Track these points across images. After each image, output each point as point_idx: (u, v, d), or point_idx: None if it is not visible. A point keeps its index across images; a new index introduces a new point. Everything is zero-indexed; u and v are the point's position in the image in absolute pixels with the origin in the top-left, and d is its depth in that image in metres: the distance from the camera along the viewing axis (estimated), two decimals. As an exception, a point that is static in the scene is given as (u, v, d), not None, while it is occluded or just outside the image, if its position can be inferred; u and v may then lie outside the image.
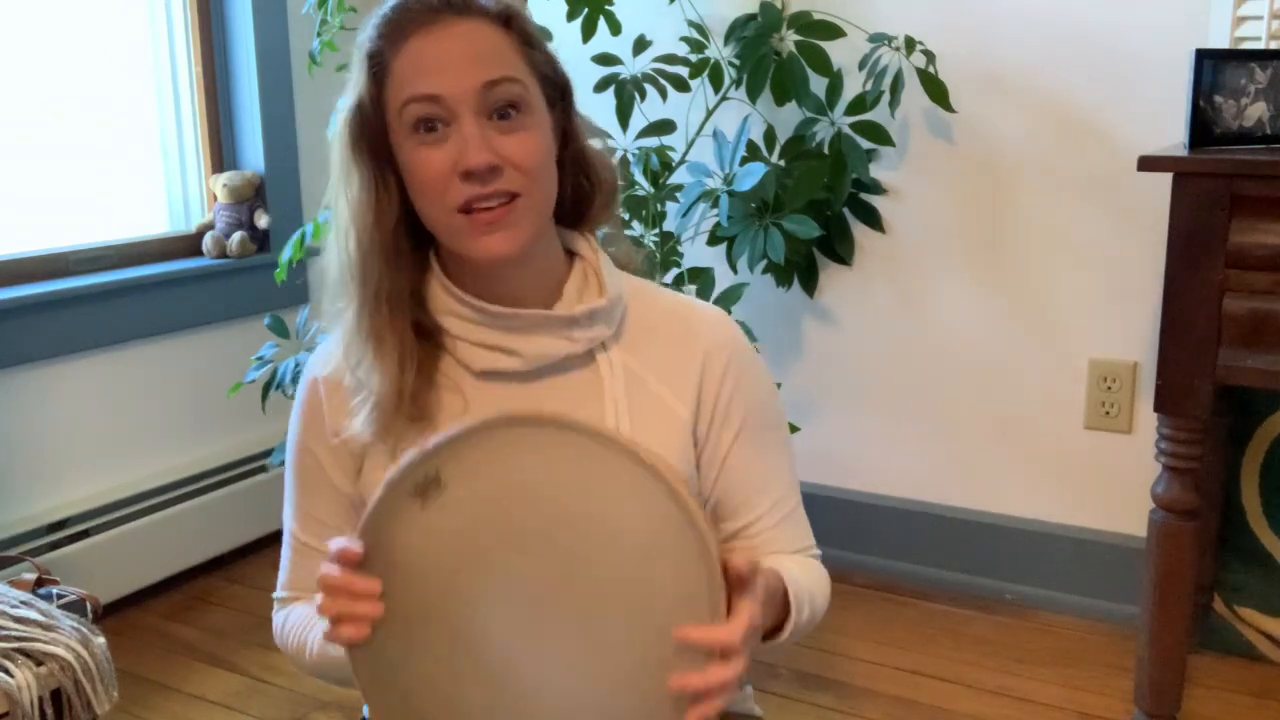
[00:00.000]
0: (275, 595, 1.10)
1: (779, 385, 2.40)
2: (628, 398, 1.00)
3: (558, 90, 1.00)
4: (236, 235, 2.57)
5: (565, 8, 2.03)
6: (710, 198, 2.08)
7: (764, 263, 2.13)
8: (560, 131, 1.00)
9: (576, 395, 1.00)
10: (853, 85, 2.22)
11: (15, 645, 1.41)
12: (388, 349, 0.96)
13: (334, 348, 1.02)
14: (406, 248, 0.98)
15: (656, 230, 2.11)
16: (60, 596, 1.62)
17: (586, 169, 1.03)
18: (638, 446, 0.82)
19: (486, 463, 0.83)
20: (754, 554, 1.06)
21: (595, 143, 1.04)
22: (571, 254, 1.05)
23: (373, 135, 0.95)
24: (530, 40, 0.97)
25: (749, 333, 1.97)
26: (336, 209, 0.98)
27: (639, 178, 2.09)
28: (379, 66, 0.94)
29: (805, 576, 1.03)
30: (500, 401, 0.99)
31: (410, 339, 0.97)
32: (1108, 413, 2.23)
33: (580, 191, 1.04)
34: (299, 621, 1.05)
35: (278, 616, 1.09)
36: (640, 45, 2.17)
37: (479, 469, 0.83)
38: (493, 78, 0.92)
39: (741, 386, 1.04)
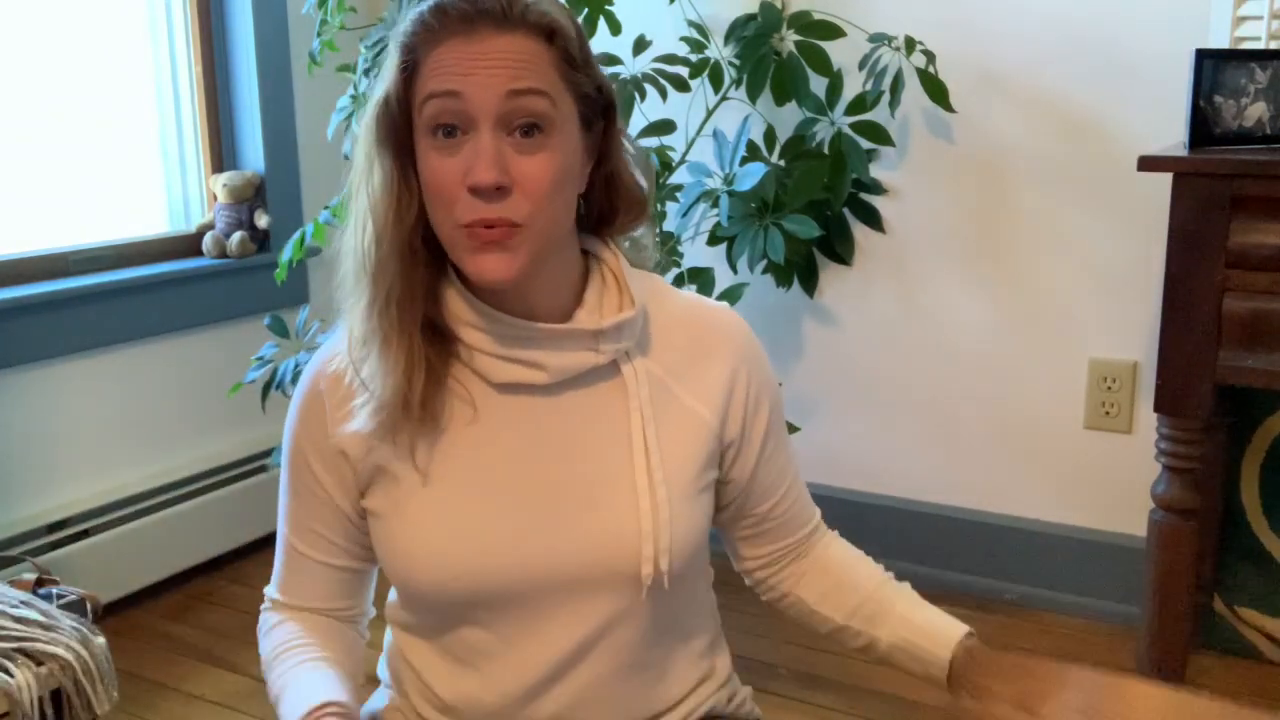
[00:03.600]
0: (268, 592, 1.08)
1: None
2: (653, 406, 0.99)
3: (598, 110, 0.96)
4: (236, 235, 2.57)
5: (565, 8, 2.03)
6: (710, 198, 2.08)
7: (764, 263, 2.13)
8: (595, 150, 0.97)
9: (603, 406, 0.99)
10: (853, 85, 2.22)
11: (15, 645, 1.41)
12: (394, 353, 0.94)
13: (339, 344, 1.00)
14: (423, 249, 0.95)
15: (657, 230, 2.11)
16: (60, 596, 1.62)
17: (617, 189, 1.00)
18: None
19: None
20: (775, 534, 1.10)
21: (633, 164, 1.01)
22: (587, 254, 1.03)
23: (398, 131, 0.93)
24: (571, 59, 0.92)
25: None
26: (357, 199, 0.96)
27: (639, 178, 2.09)
28: (408, 65, 0.91)
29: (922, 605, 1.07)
30: (520, 415, 0.98)
31: (419, 344, 0.95)
32: (1108, 413, 2.23)
33: (606, 208, 1.02)
34: (279, 679, 1.01)
35: (266, 621, 1.07)
36: (640, 45, 2.17)
37: None
38: (519, 87, 0.88)
39: (764, 384, 1.06)
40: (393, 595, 1.08)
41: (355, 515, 1.02)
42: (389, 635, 1.11)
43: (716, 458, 1.04)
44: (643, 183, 1.02)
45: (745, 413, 1.04)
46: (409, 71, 0.91)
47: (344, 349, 0.98)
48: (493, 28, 0.88)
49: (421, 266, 0.95)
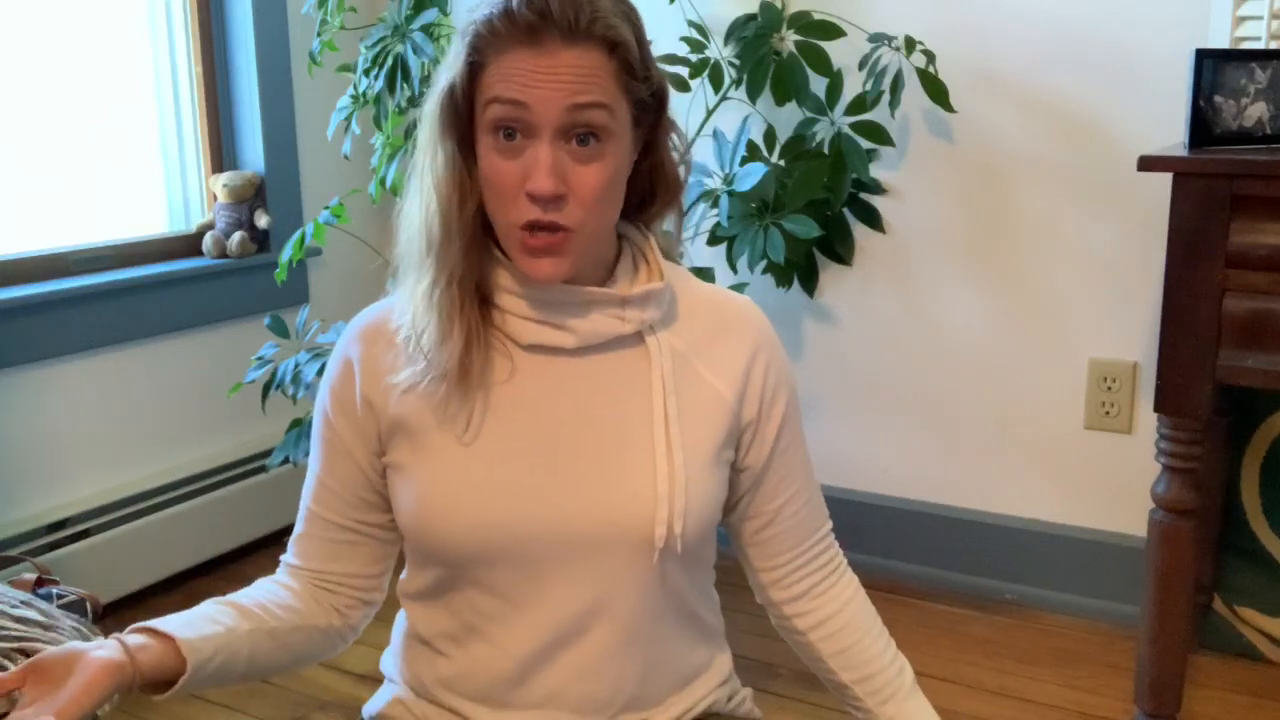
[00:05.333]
0: (282, 558, 1.10)
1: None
2: (675, 378, 1.02)
3: (649, 110, 1.01)
4: (236, 235, 2.57)
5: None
6: (710, 198, 2.08)
7: (764, 263, 2.13)
8: (643, 141, 1.02)
9: (626, 373, 1.02)
10: (853, 85, 2.22)
11: (15, 645, 1.41)
12: (456, 330, 0.98)
13: (384, 310, 1.04)
14: (481, 231, 0.99)
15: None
16: (60, 596, 1.62)
17: (658, 180, 1.05)
18: None
19: None
20: (787, 539, 1.11)
21: (676, 155, 1.06)
22: (620, 235, 1.06)
23: (460, 121, 0.97)
24: (631, 69, 0.97)
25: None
26: (422, 177, 1.00)
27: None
28: (475, 62, 0.95)
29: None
30: (545, 375, 1.01)
31: (477, 321, 0.99)
32: (1108, 413, 2.23)
33: (646, 194, 1.06)
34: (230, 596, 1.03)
35: (277, 574, 1.09)
36: (640, 45, 2.17)
37: None
38: (581, 101, 0.92)
39: (782, 374, 1.08)
40: (403, 575, 1.09)
41: (374, 474, 1.04)
42: (397, 625, 1.12)
43: (734, 436, 1.06)
44: (680, 170, 1.07)
45: (763, 396, 1.06)
46: (474, 69, 0.95)
47: (395, 314, 1.02)
48: (559, 40, 0.92)
49: (478, 249, 0.99)
